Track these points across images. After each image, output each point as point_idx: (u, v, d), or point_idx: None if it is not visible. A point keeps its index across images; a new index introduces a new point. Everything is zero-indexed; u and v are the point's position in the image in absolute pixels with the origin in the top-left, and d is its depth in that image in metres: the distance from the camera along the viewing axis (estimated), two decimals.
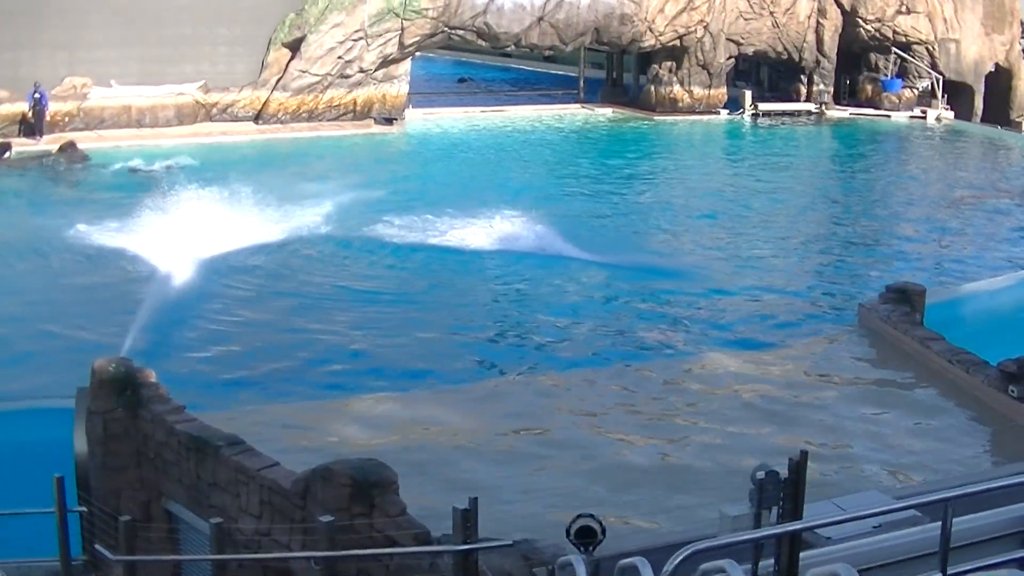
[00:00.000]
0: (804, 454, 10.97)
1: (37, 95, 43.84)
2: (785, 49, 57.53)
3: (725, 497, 13.18)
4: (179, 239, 28.99)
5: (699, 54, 55.60)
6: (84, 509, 15.28)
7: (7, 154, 41.48)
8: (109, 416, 16.00)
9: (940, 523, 9.82)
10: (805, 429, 18.39)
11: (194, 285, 26.97)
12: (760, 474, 10.94)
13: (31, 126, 44.21)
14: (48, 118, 44.38)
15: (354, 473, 12.76)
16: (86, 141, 44.22)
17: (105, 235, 30.68)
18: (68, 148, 42.50)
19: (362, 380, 21.46)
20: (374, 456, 13.51)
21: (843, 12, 57.82)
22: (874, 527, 11.70)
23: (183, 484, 15.35)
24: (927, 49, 58.66)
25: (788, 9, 56.81)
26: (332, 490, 12.77)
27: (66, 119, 45.27)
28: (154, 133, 46.17)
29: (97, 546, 14.71)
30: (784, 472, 10.93)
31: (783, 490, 10.86)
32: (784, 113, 57.65)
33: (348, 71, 49.07)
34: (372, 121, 50.38)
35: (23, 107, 44.19)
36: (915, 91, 59.08)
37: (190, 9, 47.36)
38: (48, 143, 43.27)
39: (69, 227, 31.22)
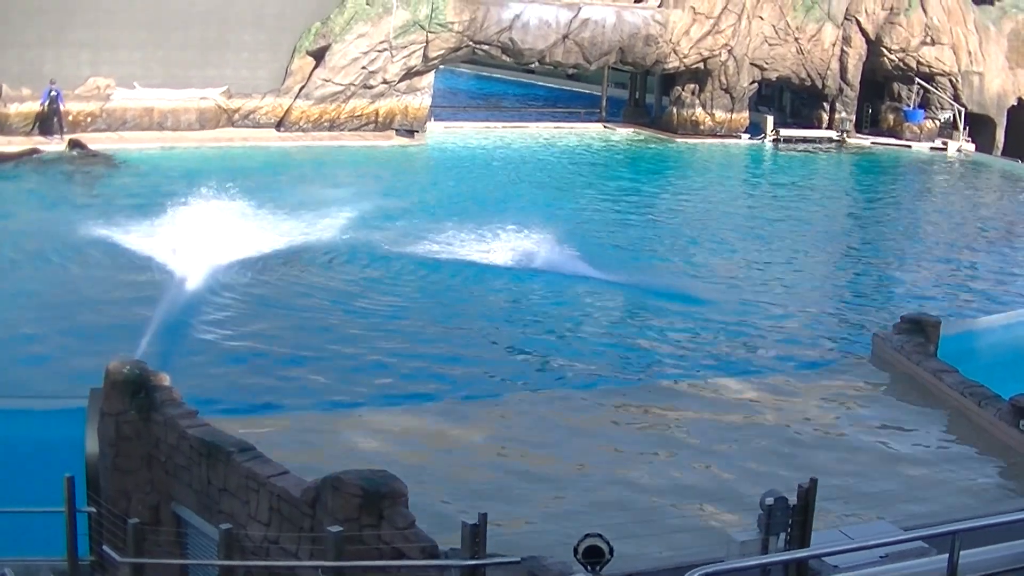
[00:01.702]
0: (813, 481, 11.01)
1: (53, 93, 43.96)
2: (808, 76, 57.58)
3: (733, 522, 13.22)
4: (199, 245, 29.13)
5: (722, 78, 55.68)
6: (93, 510, 15.33)
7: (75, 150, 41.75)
8: (121, 418, 16.08)
9: (947, 555, 9.85)
10: (815, 456, 18.38)
11: (207, 292, 27.08)
12: (769, 500, 10.98)
13: (46, 124, 44.31)
14: (70, 117, 44.50)
15: (364, 484, 12.81)
16: (107, 142, 44.43)
17: (115, 234, 30.91)
18: (76, 146, 42.86)
19: (375, 392, 21.52)
20: (385, 468, 13.55)
21: (868, 41, 57.89)
22: (881, 557, 11.72)
23: (193, 489, 15.42)
24: (950, 81, 58.69)
25: (813, 36, 56.88)
26: (341, 500, 12.82)
27: (88, 119, 45.46)
28: (175, 136, 46.34)
29: (105, 547, 14.76)
30: (793, 499, 10.96)
31: (791, 517, 10.91)
32: (805, 140, 57.63)
33: (371, 82, 49.22)
34: (393, 132, 50.53)
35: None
36: (937, 122, 59.09)
37: (216, 13, 47.55)
38: (55, 143, 43.51)
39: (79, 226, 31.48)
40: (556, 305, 28.17)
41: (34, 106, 44.39)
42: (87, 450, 16.41)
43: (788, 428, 19.75)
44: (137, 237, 30.67)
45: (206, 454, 15.04)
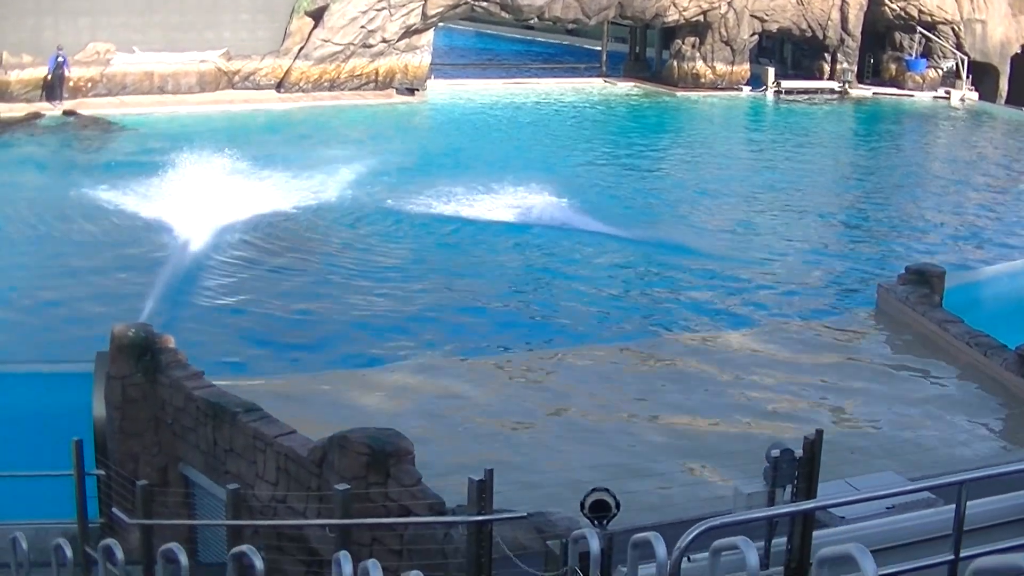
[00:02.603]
0: (819, 433, 10.98)
1: (60, 59, 43.95)
2: (809, 27, 57.32)
3: (740, 474, 13.22)
4: (202, 207, 29.14)
5: (723, 30, 55.46)
6: (102, 473, 15.39)
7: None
8: (127, 381, 16.10)
9: (954, 506, 9.82)
10: (821, 408, 18.41)
11: (211, 253, 27.09)
12: (775, 452, 10.95)
13: (52, 90, 44.32)
14: (71, 83, 44.49)
15: (370, 442, 12.82)
16: (108, 107, 44.39)
17: (117, 197, 30.98)
18: (70, 115, 42.90)
19: (380, 350, 21.54)
20: (391, 426, 13.57)
21: None
22: (888, 508, 11.71)
23: (200, 450, 15.45)
24: (952, 29, 58.38)
25: None
26: (348, 459, 12.84)
27: (88, 84, 45.38)
28: (176, 100, 46.30)
29: (114, 509, 14.81)
30: (799, 451, 10.95)
31: (797, 469, 10.88)
32: (807, 91, 57.49)
33: (371, 41, 49.08)
34: (394, 91, 50.44)
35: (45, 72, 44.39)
36: (939, 71, 58.85)
37: None
38: (58, 108, 43.52)
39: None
40: (560, 260, 28.15)
41: (35, 72, 44.39)
42: (94, 413, 16.45)
43: (793, 379, 19.75)
44: (139, 200, 30.67)
45: (212, 415, 15.06)
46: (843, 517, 11.68)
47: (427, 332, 22.74)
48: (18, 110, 42.71)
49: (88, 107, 44.01)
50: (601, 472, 14.92)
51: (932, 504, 11.92)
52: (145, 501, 13.77)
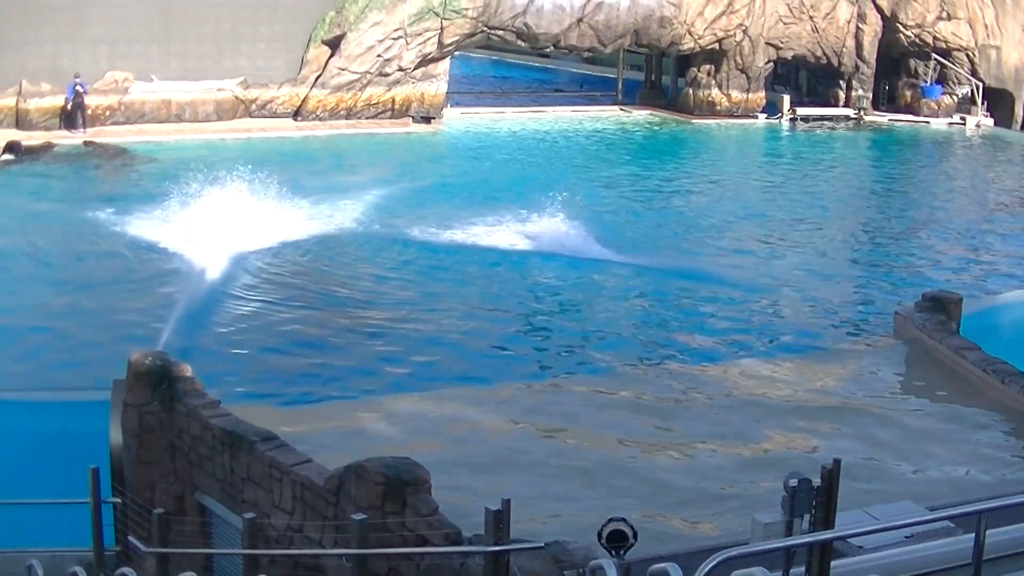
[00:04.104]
0: (837, 462, 10.94)
1: (78, 87, 44.16)
2: (824, 54, 57.34)
3: (757, 504, 13.16)
4: (220, 235, 29.19)
5: (738, 58, 55.50)
6: (118, 501, 15.36)
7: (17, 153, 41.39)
8: (144, 409, 16.08)
9: (973, 535, 9.76)
10: (838, 437, 18.31)
11: (228, 281, 27.11)
12: (793, 482, 10.91)
13: (71, 119, 44.50)
14: (89, 111, 44.70)
15: (387, 471, 12.77)
16: (126, 135, 44.57)
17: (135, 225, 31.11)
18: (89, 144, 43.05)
19: (396, 378, 21.50)
20: (407, 455, 13.53)
21: (883, 17, 57.58)
22: (906, 537, 11.66)
23: (216, 478, 15.42)
24: (967, 55, 58.33)
25: (828, 14, 56.62)
26: (365, 488, 12.79)
27: (107, 113, 45.59)
28: (193, 128, 46.44)
29: (130, 537, 14.79)
30: (817, 480, 10.90)
31: (815, 498, 10.84)
32: (822, 118, 57.45)
33: (387, 69, 49.20)
34: (410, 119, 50.50)
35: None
36: (955, 97, 58.80)
37: (231, 6, 47.60)
38: (79, 136, 43.70)
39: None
40: (577, 288, 28.11)
41: (53, 101, 44.65)
42: (111, 441, 16.43)
43: (810, 407, 19.67)
44: (157, 228, 30.72)
45: (229, 443, 15.03)
46: (861, 547, 11.63)
47: (443, 361, 22.71)
48: (36, 138, 42.85)
49: (106, 135, 44.19)
50: (618, 502, 14.88)
51: (951, 533, 11.85)
52: (161, 529, 13.76)
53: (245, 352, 22.89)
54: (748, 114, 56.38)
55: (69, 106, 44.49)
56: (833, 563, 10.56)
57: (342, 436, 17.69)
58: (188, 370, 16.48)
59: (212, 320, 24.71)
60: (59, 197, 35.48)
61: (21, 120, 44.34)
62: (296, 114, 48.69)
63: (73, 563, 14.09)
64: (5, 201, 34.68)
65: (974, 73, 58.42)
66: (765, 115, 56.77)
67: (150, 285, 26.94)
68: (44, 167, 39.93)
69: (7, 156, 40.27)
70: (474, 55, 67.86)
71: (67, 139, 43.53)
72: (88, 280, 27.42)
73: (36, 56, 44.48)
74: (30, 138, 42.65)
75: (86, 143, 43.16)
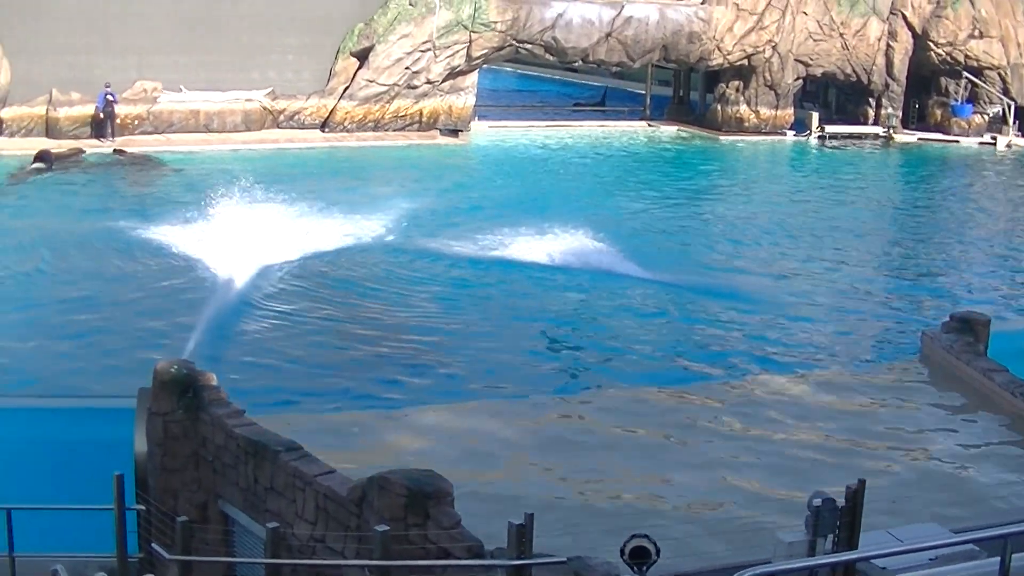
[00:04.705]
0: (862, 483, 10.94)
1: (109, 96, 44.43)
2: (854, 71, 57.27)
3: (780, 523, 13.15)
4: (246, 246, 29.31)
5: (767, 74, 55.46)
6: (142, 508, 15.43)
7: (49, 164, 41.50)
8: (169, 417, 16.15)
9: (998, 559, 9.75)
10: (864, 457, 18.27)
11: (254, 291, 27.22)
12: (817, 501, 10.92)
13: (101, 127, 44.79)
14: (117, 120, 44.96)
15: (410, 483, 12.81)
16: (154, 145, 44.84)
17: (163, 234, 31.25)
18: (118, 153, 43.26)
19: (420, 390, 21.55)
20: (430, 467, 13.56)
21: (914, 35, 57.46)
22: (931, 560, 11.62)
23: (240, 487, 15.48)
24: (999, 74, 58.18)
25: (858, 31, 56.56)
26: (388, 499, 12.83)
27: (135, 122, 45.88)
28: (221, 138, 46.68)
29: (154, 545, 14.83)
30: (841, 500, 10.90)
31: (839, 518, 10.84)
32: (851, 136, 57.34)
33: (415, 82, 49.36)
34: (438, 132, 50.62)
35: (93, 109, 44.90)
36: (986, 117, 58.59)
37: (260, 16, 47.81)
38: (109, 145, 43.93)
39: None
40: (603, 304, 28.12)
41: (83, 110, 44.97)
42: (136, 449, 16.51)
43: (836, 428, 19.62)
44: (184, 238, 30.86)
45: (253, 453, 15.09)
46: (885, 568, 11.59)
47: (467, 374, 22.75)
48: (65, 146, 43.09)
49: (134, 144, 44.47)
50: (640, 517, 14.88)
51: (975, 556, 11.81)
52: (184, 537, 13.81)
53: (270, 362, 22.97)
54: (776, 131, 56.32)
55: (100, 115, 44.78)
56: None
57: (366, 447, 17.73)
58: (213, 379, 16.56)
59: (237, 330, 24.82)
60: (89, 205, 35.69)
61: (51, 128, 44.66)
62: (324, 125, 48.88)
63: (97, 569, 14.17)
64: (36, 209, 34.89)
65: (1006, 92, 58.24)
66: (793, 132, 56.70)
67: (177, 294, 27.06)
68: (74, 175, 40.13)
69: (38, 164, 40.50)
70: (502, 68, 67.99)
71: (97, 147, 43.79)
72: (115, 288, 27.55)
73: (66, 65, 44.76)
74: (59, 147, 42.89)
75: (115, 151, 43.41)
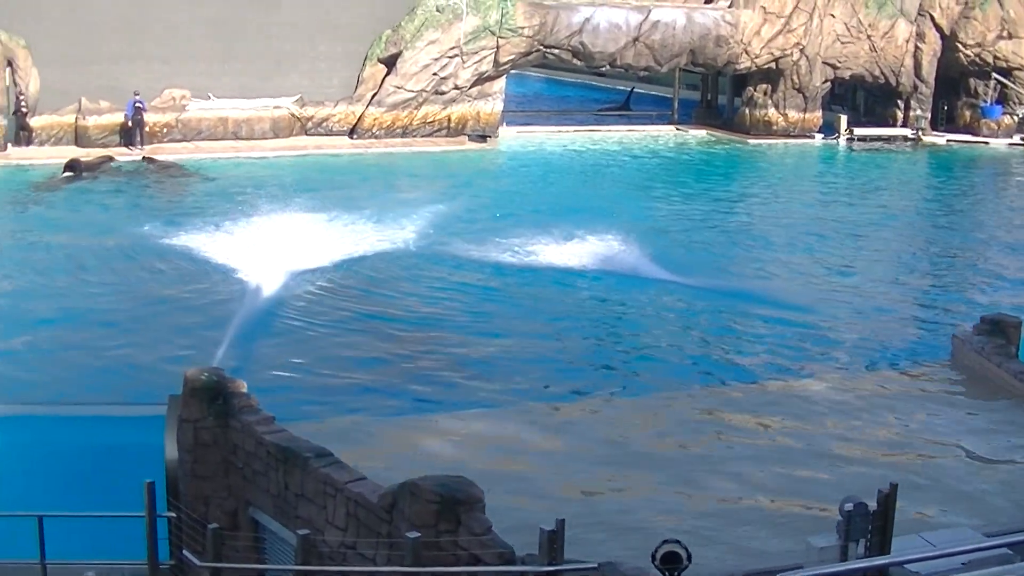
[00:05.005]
0: (893, 487, 10.89)
1: (138, 104, 44.62)
2: (882, 73, 57.08)
3: (812, 528, 13.09)
4: (277, 251, 29.38)
5: (795, 77, 55.32)
6: (173, 515, 15.47)
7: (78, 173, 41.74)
8: (199, 425, 16.19)
9: None
10: (895, 461, 18.17)
11: (283, 298, 27.27)
12: (848, 506, 10.87)
13: (130, 136, 44.98)
14: (146, 129, 45.14)
15: (441, 490, 12.80)
16: (183, 152, 45.04)
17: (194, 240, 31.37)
18: (149, 161, 43.42)
19: (450, 396, 21.54)
20: (461, 473, 13.54)
21: (942, 36, 57.23)
22: (963, 564, 11.55)
23: (270, 494, 15.50)
24: None
25: (886, 33, 56.36)
26: (419, 506, 12.83)
27: (164, 130, 46.08)
28: (249, 145, 46.82)
29: (184, 552, 14.88)
30: (872, 504, 10.84)
31: (871, 523, 10.78)
32: (880, 138, 57.14)
33: (443, 88, 49.42)
34: (466, 138, 50.66)
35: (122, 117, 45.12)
36: (1015, 118, 58.27)
37: (287, 24, 47.99)
38: (138, 153, 44.13)
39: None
40: (633, 308, 28.09)
41: (112, 118, 45.19)
42: (166, 456, 16.55)
43: (866, 430, 19.53)
44: (213, 245, 30.97)
45: (283, 460, 15.10)
46: (917, 573, 11.53)
47: (497, 378, 22.73)
48: (94, 155, 43.30)
49: (163, 152, 44.71)
50: (672, 522, 14.83)
51: (1008, 560, 11.74)
52: (215, 544, 13.84)
53: (300, 368, 23.02)
54: (805, 134, 56.17)
55: (129, 123, 44.98)
56: None
57: (396, 453, 17.73)
58: (243, 386, 16.59)
59: (267, 337, 24.87)
60: (119, 214, 35.85)
61: (80, 137, 44.91)
62: (352, 132, 48.99)
63: None
64: (66, 217, 35.07)
65: None
66: (822, 135, 56.54)
67: (206, 302, 27.14)
68: (104, 184, 40.31)
69: (68, 173, 40.72)
70: (530, 74, 68.01)
71: (126, 155, 43.98)
72: (145, 296, 27.67)
73: (95, 74, 45.04)
74: (88, 155, 43.09)
75: (144, 159, 43.60)
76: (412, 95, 49.11)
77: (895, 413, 20.50)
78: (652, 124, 59.46)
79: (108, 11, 45.20)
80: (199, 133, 46.88)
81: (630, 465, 17.97)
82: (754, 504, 16.54)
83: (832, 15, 55.43)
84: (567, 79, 72.17)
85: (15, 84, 43.94)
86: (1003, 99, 58.42)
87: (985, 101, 58.47)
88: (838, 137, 56.54)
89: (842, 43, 55.96)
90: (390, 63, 49.00)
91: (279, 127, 47.99)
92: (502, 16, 49.20)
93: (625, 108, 63.65)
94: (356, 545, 13.81)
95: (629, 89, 66.09)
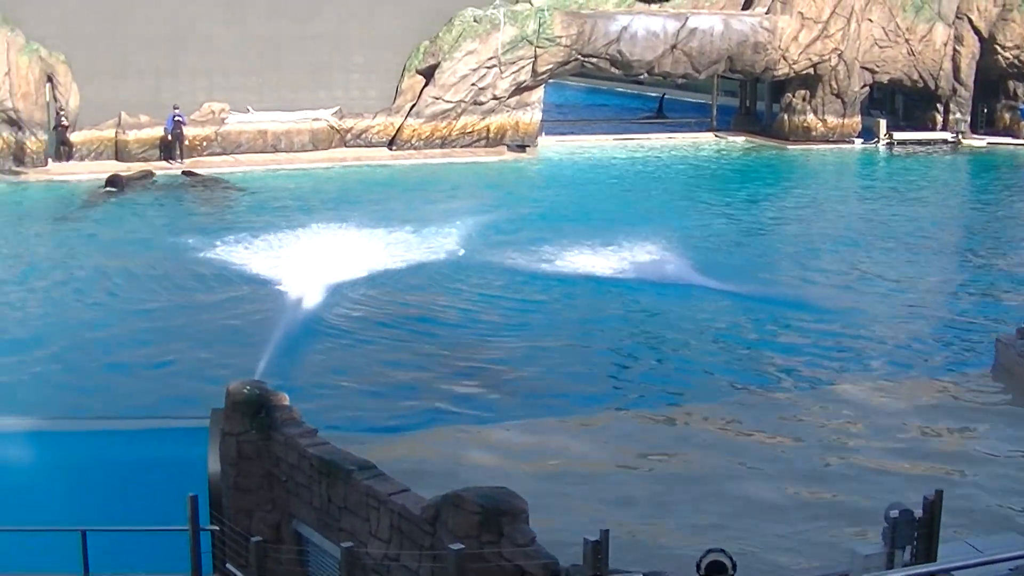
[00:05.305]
0: (939, 493, 10.79)
1: (177, 118, 44.81)
2: (921, 77, 56.74)
3: (857, 535, 13.00)
4: (319, 264, 29.44)
5: (833, 82, 55.05)
6: (216, 528, 15.49)
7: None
8: (242, 438, 16.19)
9: None
10: (940, 466, 18.04)
11: (324, 310, 27.31)
12: (894, 512, 10.77)
13: (170, 150, 45.19)
14: (186, 142, 45.35)
15: (483, 501, 12.76)
16: (222, 166, 45.21)
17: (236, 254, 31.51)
18: (188, 175, 43.56)
19: (493, 407, 21.51)
20: (504, 484, 13.51)
21: (980, 39, 56.86)
22: (1011, 570, 11.44)
23: (313, 507, 15.49)
24: None
25: (924, 36, 56.05)
26: (462, 517, 12.79)
27: (203, 144, 46.27)
28: (289, 158, 46.95)
29: (228, 565, 14.90)
30: (918, 511, 10.75)
31: (917, 529, 10.69)
32: (920, 142, 56.79)
33: (481, 98, 49.41)
34: (505, 148, 50.60)
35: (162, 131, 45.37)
36: None
37: (325, 36, 48.11)
38: (178, 167, 44.36)
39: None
40: (675, 316, 27.96)
41: (152, 132, 45.38)
42: (209, 469, 16.57)
43: (910, 437, 19.41)
44: (254, 258, 31.07)
45: (326, 472, 15.09)
46: None
47: (540, 389, 22.69)
48: (135, 169, 43.51)
49: (202, 166, 44.86)
50: (716, 531, 14.76)
51: None
52: (259, 557, 13.86)
53: (341, 380, 23.03)
54: (844, 139, 55.89)
55: (168, 137, 45.19)
56: None
57: (439, 465, 17.72)
58: (285, 399, 16.60)
59: (309, 349, 24.91)
60: (160, 228, 35.97)
61: (120, 151, 45.11)
62: (391, 143, 49.05)
63: None
64: (109, 232, 35.23)
65: None
66: (861, 140, 56.26)
67: (248, 315, 27.20)
68: (145, 198, 40.49)
69: (109, 188, 40.96)
70: (569, 82, 67.98)
71: (166, 169, 44.19)
72: (187, 310, 27.74)
73: (134, 88, 45.31)
74: (129, 169, 43.31)
75: (184, 173, 43.78)
76: (451, 106, 49.15)
77: (939, 418, 20.37)
78: (691, 131, 59.31)
79: (147, 26, 45.45)
80: (239, 146, 47.04)
81: (672, 474, 17.93)
82: (798, 511, 16.46)
83: (870, 19, 55.16)
84: (606, 87, 72.10)
85: (55, 99, 44.21)
86: None
87: None
88: (877, 142, 56.25)
89: (880, 47, 55.68)
90: (428, 74, 49.07)
91: (318, 139, 48.13)
92: (539, 26, 49.18)
93: (659, 115, 63.49)
94: (399, 557, 13.79)
95: (661, 95, 65.92)
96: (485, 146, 50.27)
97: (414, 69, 49.20)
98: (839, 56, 54.51)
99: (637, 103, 68.45)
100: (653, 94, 68.09)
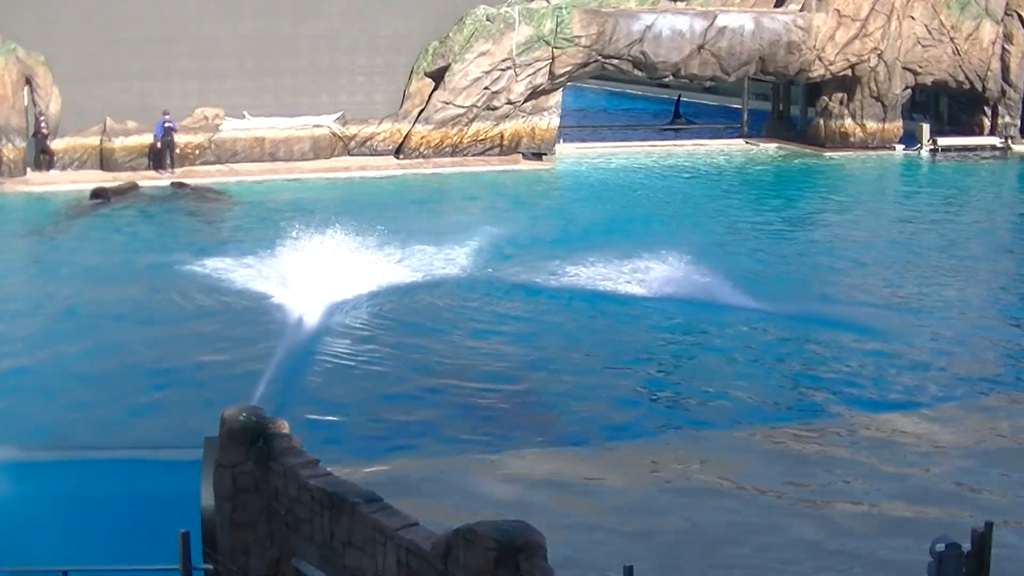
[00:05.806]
0: (989, 526, 10.76)
1: (167, 124, 44.79)
2: (967, 78, 56.68)
3: (902, 571, 12.97)
4: (319, 282, 29.46)
5: (872, 84, 55.02)
6: (210, 567, 15.48)
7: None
8: (238, 469, 16.18)
9: None
10: (987, 498, 18.01)
11: (326, 331, 27.33)
12: (940, 547, 10.75)
13: (159, 158, 45.15)
14: (177, 150, 45.35)
15: (499, 535, 12.74)
16: (216, 175, 45.23)
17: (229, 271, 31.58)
18: (179, 186, 43.63)
19: (508, 436, 21.49)
20: (521, 516, 13.50)
21: None
22: None
23: (315, 542, 15.49)
24: None
25: (970, 35, 56.01)
26: (475, 553, 12.78)
27: (196, 151, 46.27)
28: (288, 167, 47.00)
29: None
30: (966, 545, 10.73)
31: (965, 565, 10.66)
32: (966, 148, 56.67)
33: (495, 103, 49.40)
34: (520, 156, 50.56)
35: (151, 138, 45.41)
36: None
37: (327, 37, 48.25)
38: (167, 177, 44.43)
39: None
40: (706, 336, 27.98)
41: (140, 139, 45.42)
42: (202, 503, 16.57)
43: (959, 466, 19.37)
44: (250, 275, 31.11)
45: (329, 505, 15.09)
46: None
47: (559, 416, 22.67)
48: (121, 179, 43.52)
49: (195, 175, 44.91)
50: (747, 559, 14.75)
51: None
52: None
53: (345, 406, 23.02)
54: (884, 145, 55.81)
55: (158, 145, 45.15)
56: None
57: (451, 497, 17.72)
58: (285, 427, 16.59)
59: (310, 373, 24.92)
60: (149, 243, 36.04)
61: (106, 160, 45.20)
62: (398, 151, 49.08)
63: None
64: (95, 247, 35.29)
65: None
66: (903, 146, 56.17)
67: (244, 336, 27.23)
68: (133, 211, 40.55)
69: (96, 200, 40.95)
70: (588, 86, 68.04)
71: (154, 179, 44.18)
72: (178, 331, 27.75)
73: (121, 92, 45.36)
74: (116, 178, 43.37)
75: (173, 184, 43.71)
76: (462, 111, 49.16)
77: (989, 445, 20.34)
78: (720, 138, 59.30)
79: (134, 24, 45.51)
80: (234, 154, 47.08)
81: (697, 506, 17.91)
82: (841, 543, 16.44)
83: (911, 17, 55.15)
84: (628, 91, 72.15)
85: (34, 104, 44.20)
86: None
87: None
88: (920, 148, 56.16)
89: (923, 47, 55.65)
90: (438, 77, 49.11)
91: (320, 147, 48.18)
92: (557, 25, 49.18)
93: (675, 117, 63.49)
94: None
95: (676, 97, 65.89)
96: (499, 154, 50.24)
97: (422, 72, 49.29)
98: (879, 56, 54.51)
99: (660, 107, 68.50)
100: (685, 98, 68.18)
